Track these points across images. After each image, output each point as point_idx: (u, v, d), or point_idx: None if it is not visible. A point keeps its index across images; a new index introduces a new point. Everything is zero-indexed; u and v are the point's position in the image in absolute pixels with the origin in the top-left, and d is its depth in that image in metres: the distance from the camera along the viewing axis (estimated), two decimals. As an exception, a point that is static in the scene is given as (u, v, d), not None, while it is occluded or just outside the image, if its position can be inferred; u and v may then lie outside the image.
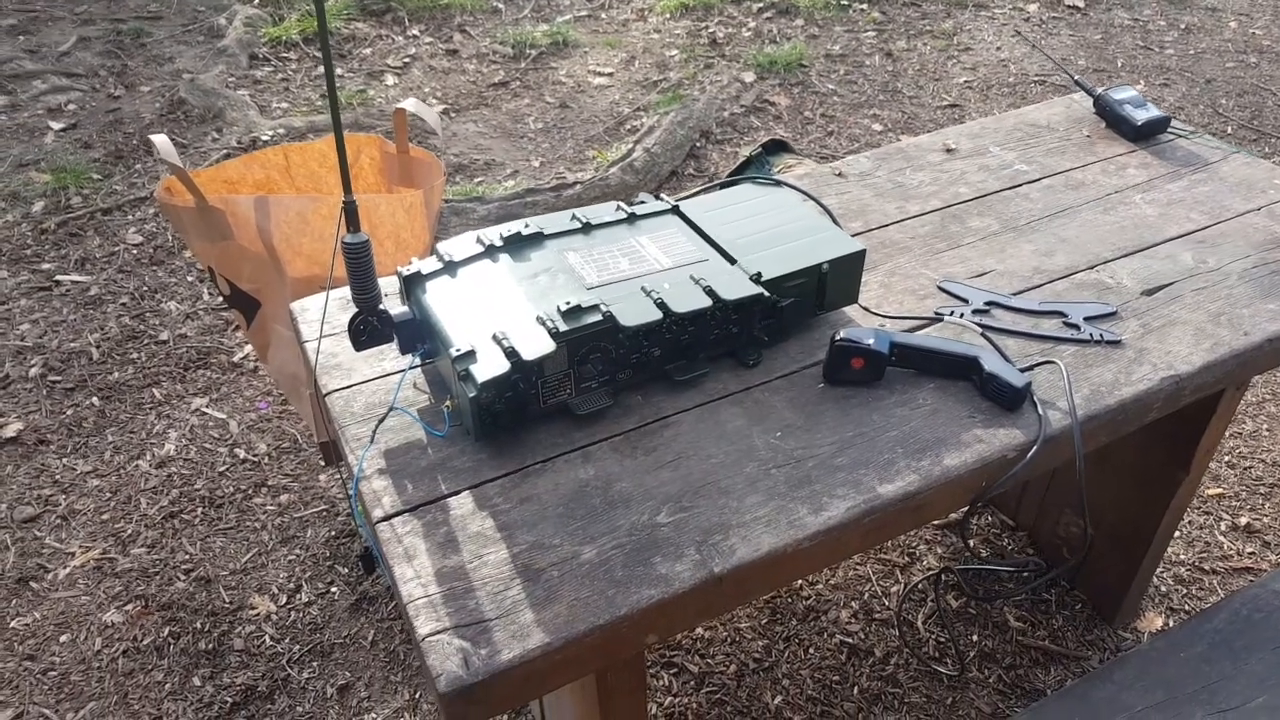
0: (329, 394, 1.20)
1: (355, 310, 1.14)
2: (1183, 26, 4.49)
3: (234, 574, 1.99)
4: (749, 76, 3.84)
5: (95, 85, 3.71)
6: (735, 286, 1.16)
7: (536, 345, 1.07)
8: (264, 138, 3.35)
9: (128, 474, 2.20)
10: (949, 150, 1.70)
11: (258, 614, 1.91)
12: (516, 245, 1.24)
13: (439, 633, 0.92)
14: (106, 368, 2.47)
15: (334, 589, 1.97)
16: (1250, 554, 2.12)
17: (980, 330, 1.25)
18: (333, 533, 2.08)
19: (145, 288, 2.73)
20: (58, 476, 2.18)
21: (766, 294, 1.17)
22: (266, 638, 1.87)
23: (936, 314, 1.31)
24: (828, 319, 1.30)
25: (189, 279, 2.77)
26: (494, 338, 1.08)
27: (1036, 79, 3.98)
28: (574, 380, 1.13)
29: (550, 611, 0.94)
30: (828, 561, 1.08)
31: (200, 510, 2.12)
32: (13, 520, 2.08)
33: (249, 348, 2.54)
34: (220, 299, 2.69)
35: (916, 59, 4.11)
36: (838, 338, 1.17)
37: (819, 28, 4.33)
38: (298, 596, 1.95)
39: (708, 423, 1.15)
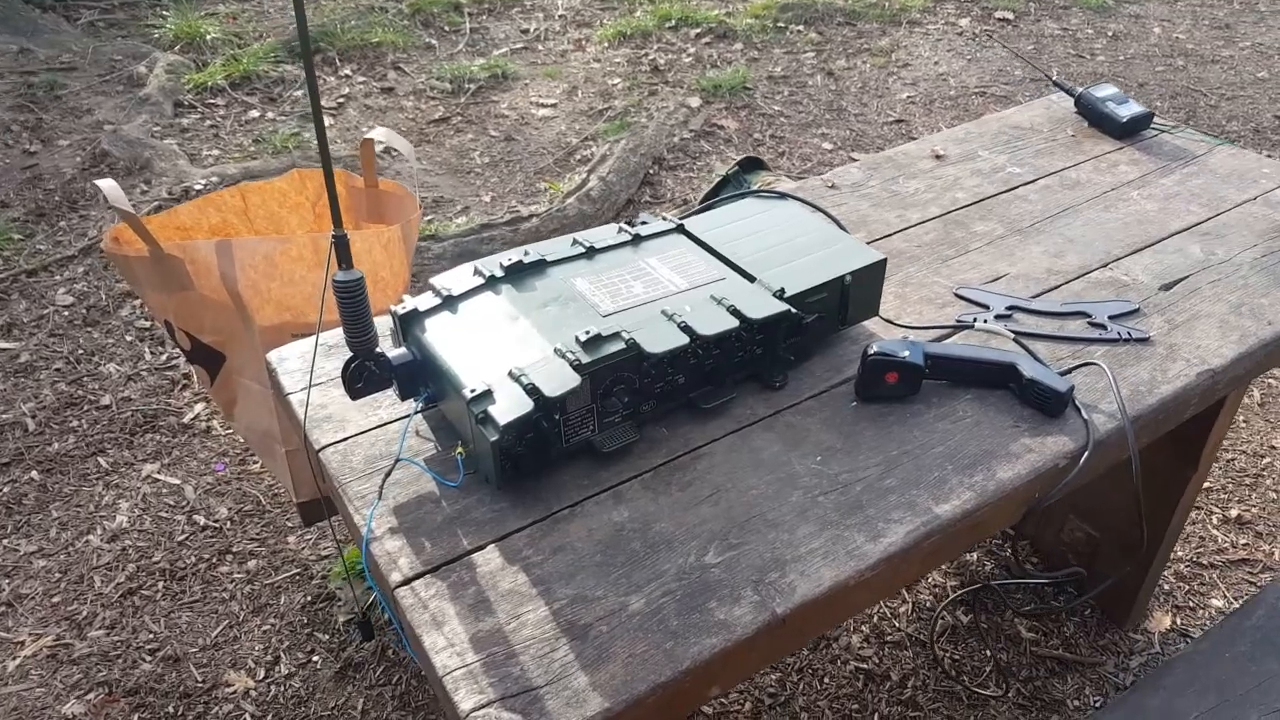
0: (322, 449, 1.09)
1: (350, 355, 1.04)
2: (1110, 34, 4.59)
3: (204, 650, 1.84)
4: (695, 101, 3.81)
5: (8, 141, 3.52)
6: (760, 305, 1.09)
7: (559, 380, 0.98)
8: (197, 187, 3.20)
9: (77, 551, 2.03)
10: (938, 157, 1.66)
11: (235, 692, 1.77)
12: (518, 275, 1.15)
13: (484, 707, 0.82)
14: (45, 439, 2.30)
15: (315, 658, 1.83)
16: (1244, 545, 2.11)
17: (1012, 335, 1.19)
18: (308, 598, 1.94)
19: (81, 351, 2.56)
20: None
21: (793, 311, 1.10)
22: (247, 716, 1.73)
23: (959, 322, 1.25)
24: (849, 334, 1.24)
25: (128, 339, 2.61)
26: (510, 375, 0.99)
27: (976, 91, 4.02)
28: (597, 415, 1.04)
29: (605, 672, 0.84)
30: (888, 591, 1.01)
31: (161, 584, 1.97)
32: (-48, 611, 1.91)
33: (199, 408, 2.39)
34: (177, 354, 2.54)
35: (858, 77, 4.12)
36: (871, 351, 1.10)
37: (758, 51, 4.33)
38: (277, 669, 1.81)
39: (741, 451, 1.07)
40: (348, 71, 4.08)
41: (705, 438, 1.09)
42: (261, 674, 1.80)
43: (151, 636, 1.86)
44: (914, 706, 1.76)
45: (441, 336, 1.06)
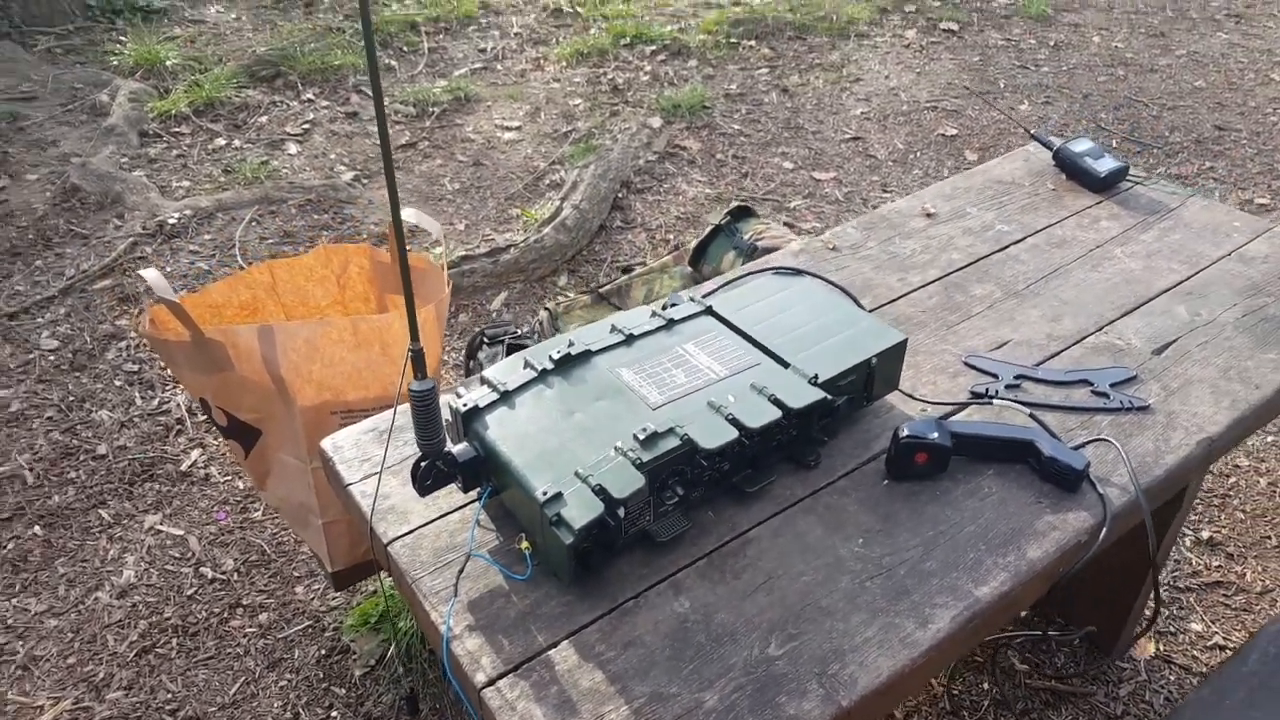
0: (390, 543, 1.14)
1: (419, 455, 1.09)
2: (1052, 44, 4.74)
3: (223, 709, 1.87)
4: (656, 121, 3.86)
5: (-31, 175, 3.46)
6: (798, 393, 1.16)
7: (624, 481, 1.04)
8: (170, 221, 3.18)
9: (88, 609, 2.04)
10: (929, 215, 1.74)
11: (259, 750, 1.80)
12: (566, 367, 1.21)
13: (584, 809, 0.88)
14: (44, 491, 2.29)
15: (334, 713, 1.87)
16: (1218, 567, 2.19)
17: (1028, 412, 1.28)
18: (322, 651, 1.97)
19: (71, 398, 2.55)
20: (10, 620, 2.01)
21: (829, 397, 1.17)
22: (273, 775, 1.76)
23: (973, 394, 1.33)
24: (871, 409, 1.31)
25: (116, 383, 2.60)
26: (577, 475, 1.05)
27: (928, 105, 4.13)
28: (653, 507, 1.10)
29: (692, 771, 0.91)
30: (932, 674, 1.09)
31: (175, 641, 1.98)
32: (-39, 677, 1.90)
33: (195, 454, 2.40)
34: (169, 399, 2.53)
35: (812, 93, 4.21)
36: (902, 435, 1.18)
37: (713, 68, 4.40)
38: (298, 725, 1.85)
39: (786, 536, 1.14)
40: (310, 96, 4.06)
41: (750, 521, 1.16)
42: (284, 731, 1.84)
43: (170, 696, 1.88)
44: (918, 739, 1.85)
45: (504, 434, 1.11)
